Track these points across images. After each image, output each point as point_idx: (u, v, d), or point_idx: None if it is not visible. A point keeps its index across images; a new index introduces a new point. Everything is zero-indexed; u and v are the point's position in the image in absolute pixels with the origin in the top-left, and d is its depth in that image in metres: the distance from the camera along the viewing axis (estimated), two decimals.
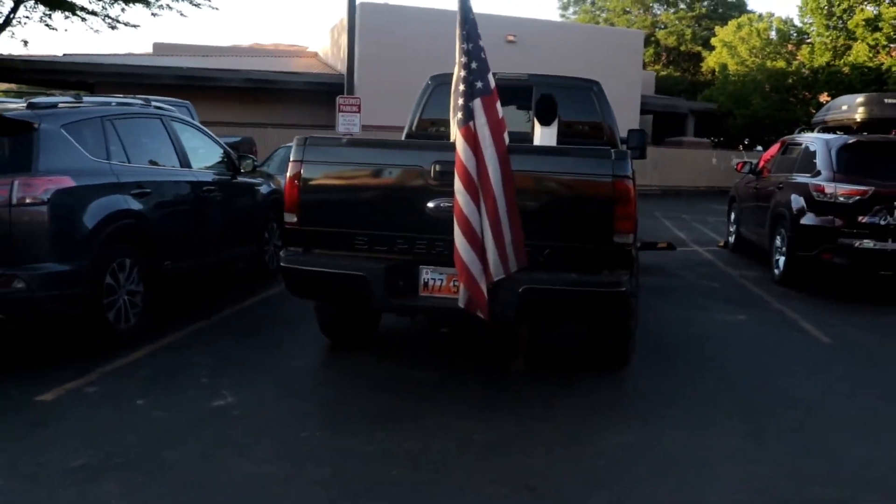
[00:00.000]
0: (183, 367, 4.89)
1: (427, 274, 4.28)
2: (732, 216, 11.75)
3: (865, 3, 25.76)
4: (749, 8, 36.63)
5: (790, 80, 28.05)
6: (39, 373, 4.67)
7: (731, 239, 11.60)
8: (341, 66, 25.66)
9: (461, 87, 4.02)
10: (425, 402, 4.42)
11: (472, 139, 3.96)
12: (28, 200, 4.60)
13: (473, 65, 4.03)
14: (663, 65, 37.96)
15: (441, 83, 6.74)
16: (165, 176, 6.00)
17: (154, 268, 5.65)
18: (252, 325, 6.12)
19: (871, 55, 24.83)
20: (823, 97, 27.53)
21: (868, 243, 7.60)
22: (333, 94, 25.26)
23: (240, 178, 7.27)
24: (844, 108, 9.49)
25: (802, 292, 8.27)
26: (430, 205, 4.19)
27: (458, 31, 4.11)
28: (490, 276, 3.96)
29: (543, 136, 6.34)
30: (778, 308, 7.53)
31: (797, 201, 8.45)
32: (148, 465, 3.49)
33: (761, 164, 10.78)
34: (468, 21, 4.10)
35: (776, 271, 8.89)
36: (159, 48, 28.34)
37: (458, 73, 4.13)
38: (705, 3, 37.47)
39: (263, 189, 7.76)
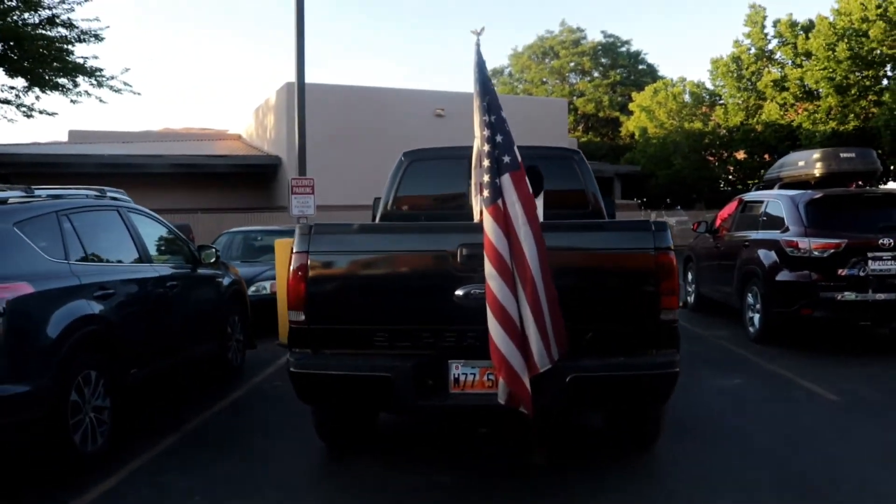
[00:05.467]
0: (167, 495, 4.23)
1: (457, 369, 3.84)
2: (690, 276, 11.76)
3: (770, 65, 27.22)
4: (660, 74, 38.29)
5: (706, 140, 29.20)
6: None
7: (691, 298, 11.57)
8: (269, 147, 25.33)
9: (485, 163, 3.68)
10: None
11: (501, 218, 3.61)
12: None
13: (498, 138, 3.70)
14: (582, 131, 39.07)
15: (416, 159, 6.42)
16: (127, 274, 5.40)
17: (120, 378, 5.01)
18: (228, 434, 5.48)
19: (781, 113, 26.08)
20: (740, 154, 28.75)
21: (850, 295, 7.59)
22: (263, 176, 24.93)
23: (200, 270, 6.70)
24: (801, 163, 9.66)
25: (783, 349, 8.18)
26: (459, 292, 3.77)
27: (477, 103, 3.79)
28: (535, 368, 3.56)
29: None
30: (769, 368, 7.36)
31: (769, 258, 8.43)
32: None
33: (717, 222, 10.85)
34: (488, 91, 3.80)
35: (751, 329, 8.80)
36: (75, 136, 27.33)
37: (479, 146, 3.80)
38: (619, 71, 39.01)
39: (225, 280, 7.19)
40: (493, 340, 3.55)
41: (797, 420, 5.58)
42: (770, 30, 26.93)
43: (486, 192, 3.64)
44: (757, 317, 8.70)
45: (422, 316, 3.88)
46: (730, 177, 30.18)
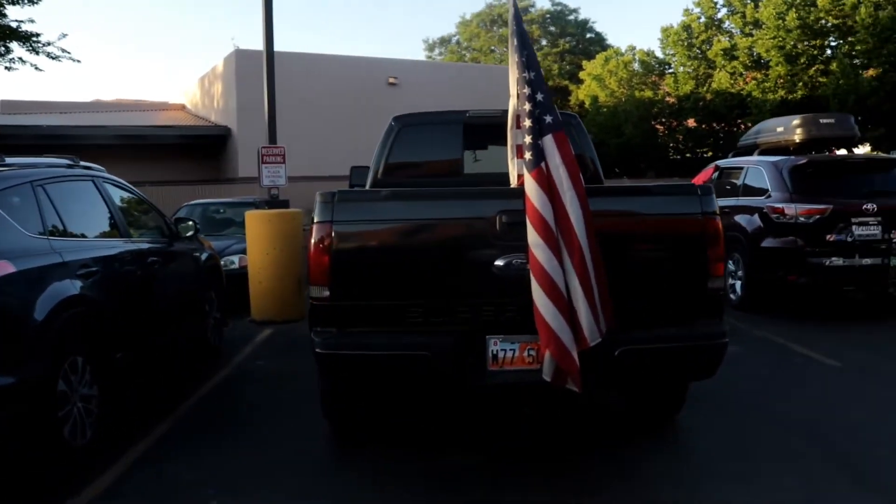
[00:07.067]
0: (175, 489, 3.89)
1: (496, 345, 3.58)
2: None
3: (720, 34, 27.42)
4: (609, 42, 38.32)
5: (656, 109, 29.35)
6: None
7: None
8: (216, 117, 24.44)
9: (526, 123, 3.41)
10: (474, 494, 3.72)
11: (545, 182, 3.36)
12: None
13: (539, 96, 3.43)
14: None
15: (406, 125, 6.10)
16: (109, 249, 4.96)
17: (107, 363, 4.61)
18: (222, 418, 5.14)
19: (731, 82, 26.33)
20: (690, 123, 29.00)
21: (837, 261, 7.62)
22: (212, 147, 24.04)
23: (176, 245, 6.27)
24: (780, 129, 9.63)
25: (765, 315, 8.20)
26: (498, 263, 3.51)
27: (515, 58, 3.51)
28: (585, 342, 3.33)
29: None
30: (759, 334, 7.35)
31: (752, 224, 8.39)
32: None
33: None
34: (526, 46, 3.52)
35: (732, 297, 8.79)
36: (8, 106, 25.88)
37: (516, 106, 3.53)
38: (568, 39, 38.90)
39: (202, 256, 6.76)
40: (540, 314, 3.31)
41: (805, 386, 5.55)
42: None
43: (527, 155, 3.38)
44: (738, 283, 8.69)
45: (457, 288, 3.60)
46: (679, 145, 30.46)
